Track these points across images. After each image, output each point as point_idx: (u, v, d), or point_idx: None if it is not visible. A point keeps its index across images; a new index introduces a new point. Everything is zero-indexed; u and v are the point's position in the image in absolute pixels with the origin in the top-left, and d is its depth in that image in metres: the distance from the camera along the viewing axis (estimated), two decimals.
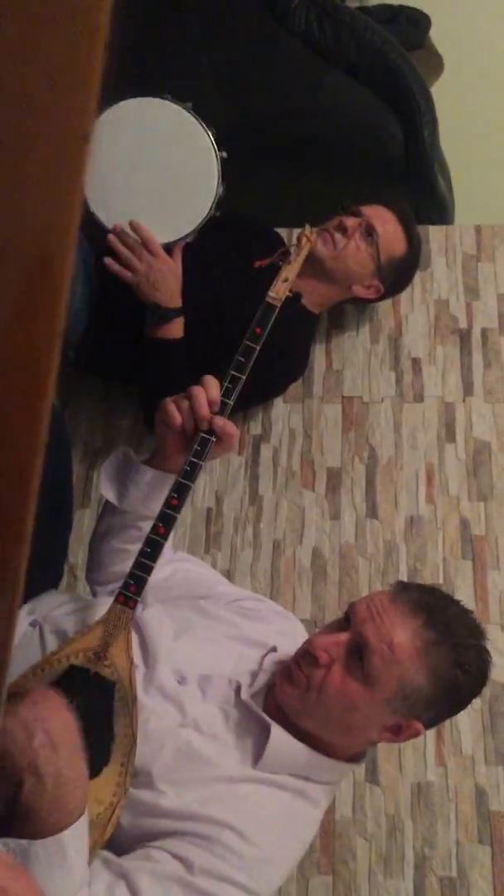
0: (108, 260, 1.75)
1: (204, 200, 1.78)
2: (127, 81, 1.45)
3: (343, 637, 1.11)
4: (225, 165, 1.79)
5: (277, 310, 1.27)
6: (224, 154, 1.80)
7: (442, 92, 2.60)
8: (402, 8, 2.85)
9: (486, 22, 3.11)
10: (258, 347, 1.22)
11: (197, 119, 1.79)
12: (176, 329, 1.77)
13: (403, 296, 2.17)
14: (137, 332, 1.80)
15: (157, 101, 1.80)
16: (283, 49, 2.19)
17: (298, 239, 1.38)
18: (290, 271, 1.32)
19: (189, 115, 1.79)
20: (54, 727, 0.85)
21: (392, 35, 2.68)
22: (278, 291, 1.29)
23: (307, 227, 1.40)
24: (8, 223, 0.26)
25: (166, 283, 1.74)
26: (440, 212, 2.26)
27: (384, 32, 2.16)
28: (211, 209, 1.78)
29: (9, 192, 0.24)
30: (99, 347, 1.91)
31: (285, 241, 2.09)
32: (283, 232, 2.13)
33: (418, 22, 2.87)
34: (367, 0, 2.95)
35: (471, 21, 3.02)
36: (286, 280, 1.30)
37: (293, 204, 2.20)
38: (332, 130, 2.16)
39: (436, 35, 2.89)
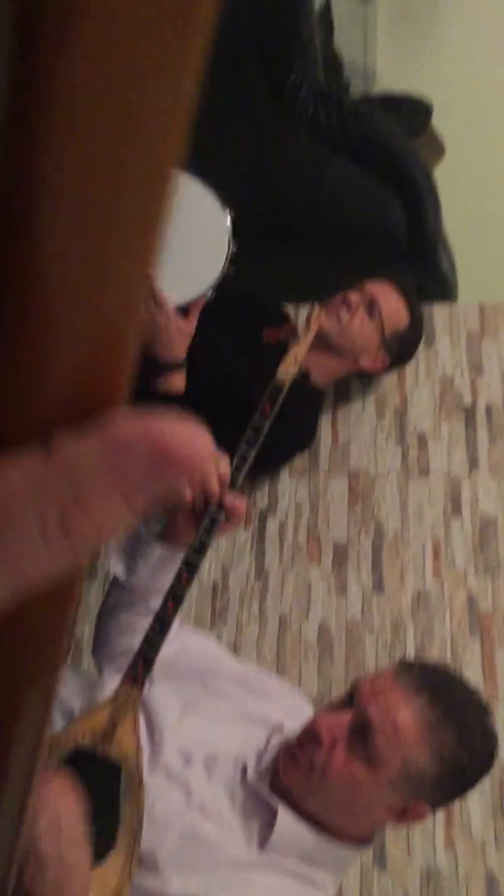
0: None
1: (216, 258, 1.77)
2: None
3: (346, 717, 1.10)
4: (234, 224, 1.80)
5: (286, 388, 1.29)
6: (232, 213, 1.82)
7: (444, 174, 2.69)
8: (404, 97, 2.97)
9: (486, 107, 3.23)
10: (267, 425, 1.24)
11: (199, 180, 1.83)
12: (177, 383, 1.77)
13: (409, 372, 2.21)
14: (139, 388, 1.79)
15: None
16: (290, 135, 2.27)
17: (307, 319, 1.41)
18: (299, 350, 1.34)
19: (191, 178, 1.82)
20: (60, 811, 0.84)
21: (395, 123, 2.78)
22: (287, 369, 1.31)
23: (316, 308, 1.44)
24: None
25: (166, 336, 1.72)
26: (444, 291, 2.31)
27: (387, 120, 2.24)
28: (225, 265, 1.76)
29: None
30: None
31: (291, 316, 2.13)
32: (288, 308, 2.18)
33: (420, 111, 2.98)
34: (370, 89, 3.07)
35: (471, 106, 3.13)
36: (295, 358, 1.33)
37: (298, 282, 2.25)
38: (337, 214, 2.22)
39: (437, 120, 2.99)
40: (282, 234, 2.28)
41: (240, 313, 2.02)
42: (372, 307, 1.94)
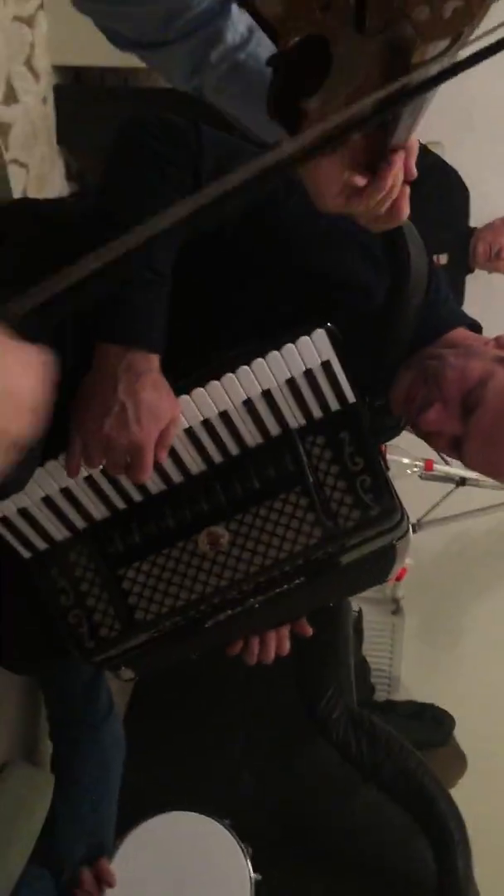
0: None
1: None
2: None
3: None
4: (259, 888, 1.71)
5: None
6: (258, 876, 1.73)
7: (464, 793, 2.60)
8: (427, 706, 3.05)
9: None
10: None
11: (234, 836, 1.77)
12: None
13: None
14: None
15: (194, 815, 1.80)
16: (320, 754, 2.27)
17: None
18: None
19: (227, 832, 1.77)
20: None
21: (417, 732, 2.80)
22: None
23: None
24: None
25: None
26: None
27: (418, 755, 2.25)
28: None
29: None
30: None
31: None
32: None
33: (443, 721, 3.03)
34: (394, 695, 3.17)
35: (492, 722, 3.17)
36: None
37: None
38: (362, 846, 2.12)
39: (460, 732, 3.02)
40: (305, 857, 2.15)
41: None
42: None
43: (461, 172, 2.64)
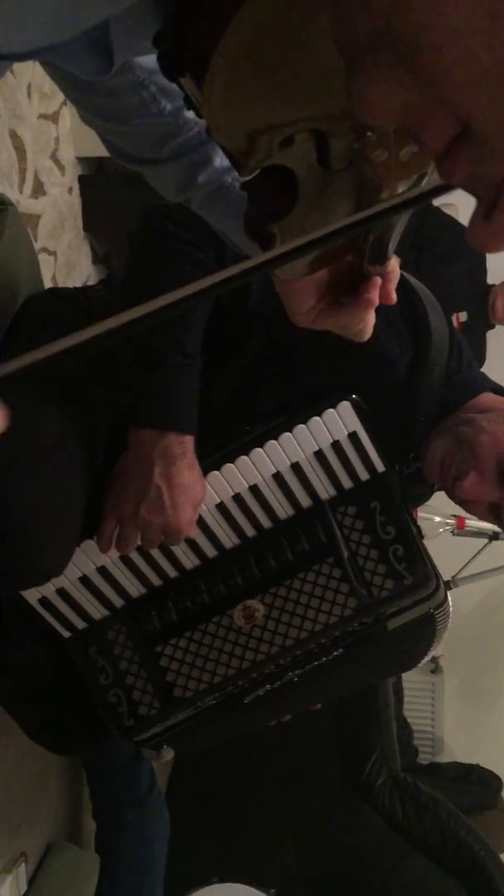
0: None
1: None
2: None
3: None
4: None
5: None
6: None
7: None
8: (473, 767, 2.97)
9: None
10: None
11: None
12: None
13: None
14: None
15: (240, 887, 1.77)
16: (365, 822, 2.22)
17: None
18: None
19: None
20: None
21: (464, 795, 2.73)
22: None
23: None
24: None
25: None
26: None
27: (467, 822, 2.19)
28: None
29: None
30: None
31: None
32: None
33: (490, 783, 2.95)
34: (437, 757, 3.10)
35: None
36: None
37: None
38: None
39: None
40: None
41: None
42: None
43: None
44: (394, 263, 0.71)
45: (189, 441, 1.04)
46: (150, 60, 0.71)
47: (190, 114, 0.75)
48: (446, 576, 1.36)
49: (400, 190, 0.53)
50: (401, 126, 0.39)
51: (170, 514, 1.02)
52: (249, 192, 0.55)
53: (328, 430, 1.09)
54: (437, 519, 2.28)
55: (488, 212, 0.38)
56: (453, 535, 2.44)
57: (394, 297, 0.74)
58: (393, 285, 0.74)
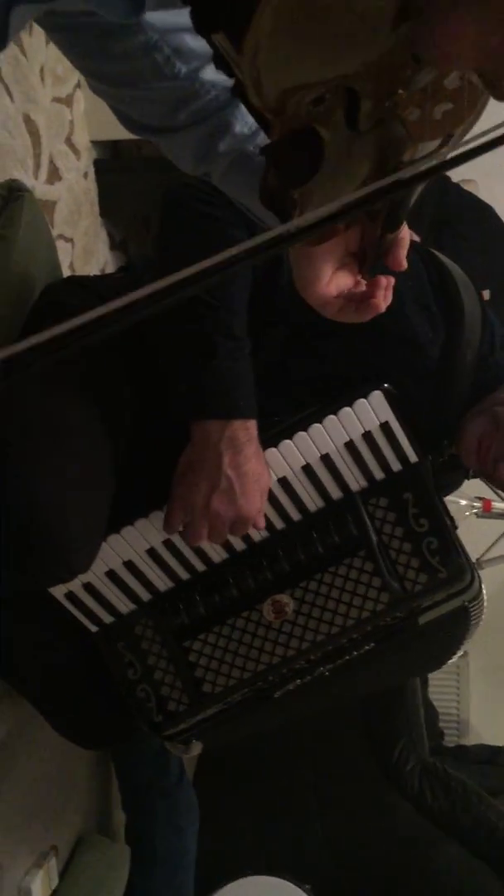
0: None
1: None
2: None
3: None
4: None
5: None
6: None
7: None
8: (501, 749, 2.95)
9: None
10: None
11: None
12: None
13: None
14: None
15: (275, 880, 1.76)
16: (396, 809, 2.20)
17: None
18: None
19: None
20: None
21: (492, 777, 2.70)
22: None
23: None
24: None
25: None
26: None
27: (497, 806, 2.17)
28: None
29: None
30: None
31: None
32: None
33: None
34: (463, 739, 3.08)
35: None
36: None
37: None
38: None
39: None
40: None
41: None
42: None
43: (497, 208, 2.63)
44: (405, 229, 0.69)
45: (253, 426, 1.01)
46: (162, 20, 0.67)
47: (208, 75, 0.72)
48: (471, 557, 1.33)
49: (425, 151, 0.52)
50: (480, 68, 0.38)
51: (241, 503, 1.00)
52: (270, 157, 0.53)
53: (359, 421, 1.06)
54: (463, 502, 2.24)
55: None
56: (478, 517, 2.41)
57: (404, 263, 0.72)
58: (404, 252, 0.72)
